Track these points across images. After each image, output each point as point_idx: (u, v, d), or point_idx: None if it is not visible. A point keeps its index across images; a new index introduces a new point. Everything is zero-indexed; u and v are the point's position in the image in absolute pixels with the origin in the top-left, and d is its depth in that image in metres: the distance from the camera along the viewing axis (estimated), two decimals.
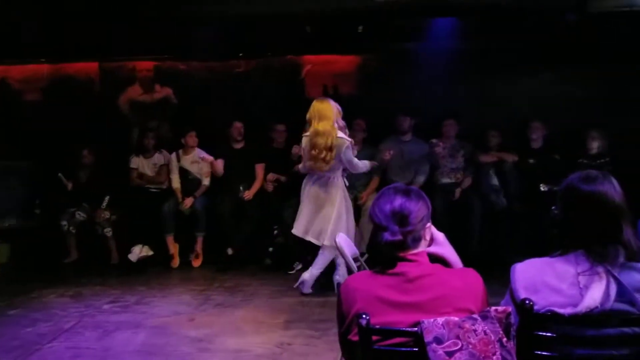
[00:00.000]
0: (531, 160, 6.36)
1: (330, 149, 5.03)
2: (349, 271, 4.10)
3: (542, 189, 6.14)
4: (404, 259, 2.02)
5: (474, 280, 2.02)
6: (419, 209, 2.06)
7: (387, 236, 2.00)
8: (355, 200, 6.06)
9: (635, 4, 5.02)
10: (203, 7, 5.81)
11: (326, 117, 5.07)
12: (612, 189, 2.00)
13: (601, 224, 1.98)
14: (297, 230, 5.36)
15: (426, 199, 2.14)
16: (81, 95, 7.59)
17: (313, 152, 5.08)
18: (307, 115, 5.19)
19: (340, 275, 5.28)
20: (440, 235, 2.27)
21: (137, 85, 7.66)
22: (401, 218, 2.02)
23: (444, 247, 2.27)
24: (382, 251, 2.03)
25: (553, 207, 2.16)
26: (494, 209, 6.31)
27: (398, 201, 2.04)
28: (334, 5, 5.63)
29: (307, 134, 5.19)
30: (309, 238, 5.30)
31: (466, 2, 5.37)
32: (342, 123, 5.18)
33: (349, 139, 5.20)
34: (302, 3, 5.66)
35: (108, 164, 7.01)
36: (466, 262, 6.45)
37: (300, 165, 5.51)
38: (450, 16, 6.20)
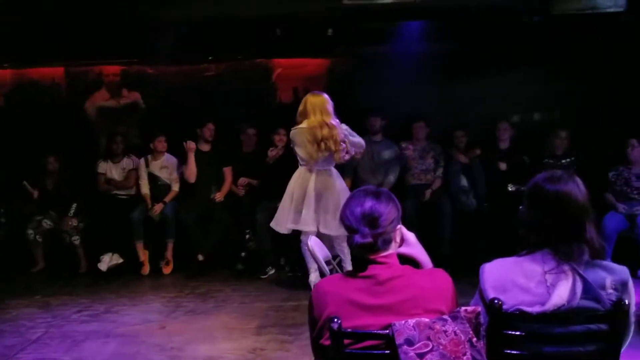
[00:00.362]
0: (502, 167, 6.38)
1: (343, 141, 5.04)
2: (322, 274, 4.09)
3: (510, 189, 6.21)
4: (374, 262, 2.03)
5: (443, 280, 2.03)
6: (389, 211, 2.07)
7: (357, 239, 2.00)
8: None
9: (598, 6, 5.11)
10: (171, 10, 5.75)
11: (327, 111, 5.05)
12: (576, 188, 2.04)
13: (566, 223, 2.01)
14: (309, 226, 5.19)
15: (396, 201, 2.14)
16: (47, 100, 7.44)
17: (324, 144, 5.00)
18: (301, 108, 5.13)
19: (315, 279, 5.26)
20: (411, 236, 2.28)
21: (104, 90, 7.54)
22: (371, 220, 2.03)
23: (414, 247, 2.28)
24: (353, 253, 2.04)
25: (520, 207, 2.19)
26: (464, 210, 6.37)
27: (368, 203, 2.05)
28: (303, 9, 5.62)
29: (302, 126, 5.09)
30: (326, 231, 5.16)
31: (433, 5, 5.41)
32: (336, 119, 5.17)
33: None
34: (271, 6, 5.64)
35: (75, 170, 6.90)
36: (437, 263, 6.48)
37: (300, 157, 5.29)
38: (417, 19, 6.24)
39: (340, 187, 5.26)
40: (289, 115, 6.89)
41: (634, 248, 5.58)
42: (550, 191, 2.05)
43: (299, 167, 5.30)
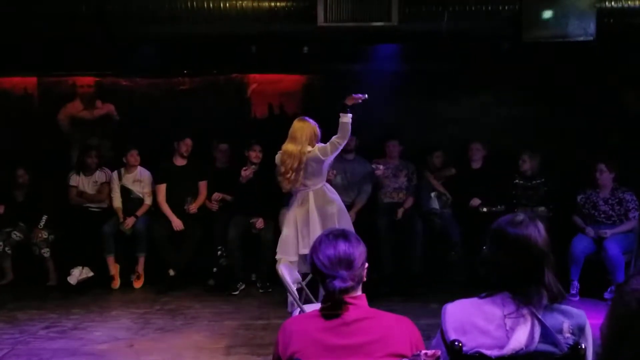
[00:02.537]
0: (475, 202, 6.40)
1: (297, 170, 4.98)
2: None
3: (482, 210, 6.29)
4: (343, 302, 2.05)
5: (409, 327, 2.06)
6: (360, 252, 2.10)
7: (338, 284, 2.01)
8: None
9: (568, 34, 5.22)
10: (148, 26, 5.73)
11: (296, 138, 4.99)
12: (537, 232, 2.08)
13: (525, 267, 2.06)
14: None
15: (362, 241, 2.17)
16: (18, 110, 7.34)
17: (282, 168, 5.03)
18: (290, 131, 5.08)
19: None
20: None
21: (78, 101, 7.46)
22: (347, 263, 2.05)
23: None
24: (332, 298, 2.04)
25: (484, 247, 2.24)
26: (435, 230, 6.43)
27: (342, 247, 2.06)
28: (278, 28, 5.65)
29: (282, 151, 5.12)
30: None
31: (408, 29, 5.48)
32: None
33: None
34: (246, 24, 5.65)
35: (46, 182, 6.81)
36: (409, 281, 6.53)
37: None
38: (392, 42, 6.31)
39: (337, 200, 5.26)
40: (264, 131, 6.98)
41: (601, 271, 5.69)
42: (511, 234, 2.10)
43: (294, 193, 5.24)
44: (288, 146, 5.04)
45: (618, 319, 1.11)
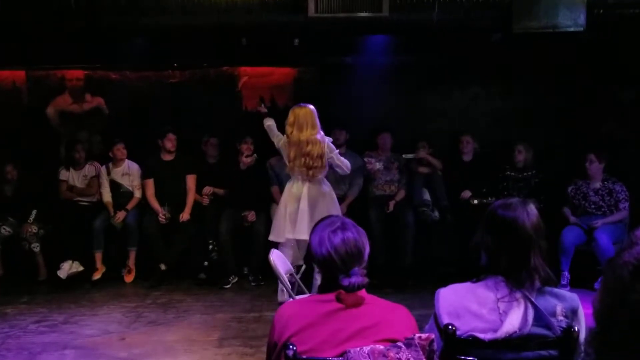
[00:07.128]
0: (466, 194, 6.43)
1: (321, 156, 5.00)
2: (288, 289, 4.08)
3: (472, 202, 6.30)
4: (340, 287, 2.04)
5: (405, 314, 2.05)
6: (365, 241, 2.08)
7: (355, 280, 1.98)
8: None
9: (558, 25, 5.23)
10: (138, 18, 5.68)
11: (314, 125, 5.01)
12: (525, 216, 2.08)
13: (511, 250, 2.05)
14: (305, 235, 4.98)
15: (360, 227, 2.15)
16: (7, 104, 7.26)
17: (305, 159, 4.97)
18: (291, 119, 5.04)
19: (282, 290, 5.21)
20: None
21: (67, 95, 7.39)
22: (358, 257, 2.03)
23: None
24: (346, 290, 2.01)
25: (476, 232, 2.23)
26: (427, 222, 6.43)
27: (352, 241, 2.03)
28: (269, 19, 5.62)
29: (288, 140, 5.08)
30: None
31: (399, 20, 5.47)
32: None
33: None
34: (236, 16, 5.62)
35: (35, 176, 6.76)
36: (401, 273, 6.55)
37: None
38: (383, 33, 6.30)
39: (330, 194, 5.26)
40: (255, 124, 6.94)
41: (592, 261, 5.72)
42: (499, 216, 2.10)
43: (291, 177, 5.23)
44: (309, 133, 4.97)
45: (611, 291, 1.10)
